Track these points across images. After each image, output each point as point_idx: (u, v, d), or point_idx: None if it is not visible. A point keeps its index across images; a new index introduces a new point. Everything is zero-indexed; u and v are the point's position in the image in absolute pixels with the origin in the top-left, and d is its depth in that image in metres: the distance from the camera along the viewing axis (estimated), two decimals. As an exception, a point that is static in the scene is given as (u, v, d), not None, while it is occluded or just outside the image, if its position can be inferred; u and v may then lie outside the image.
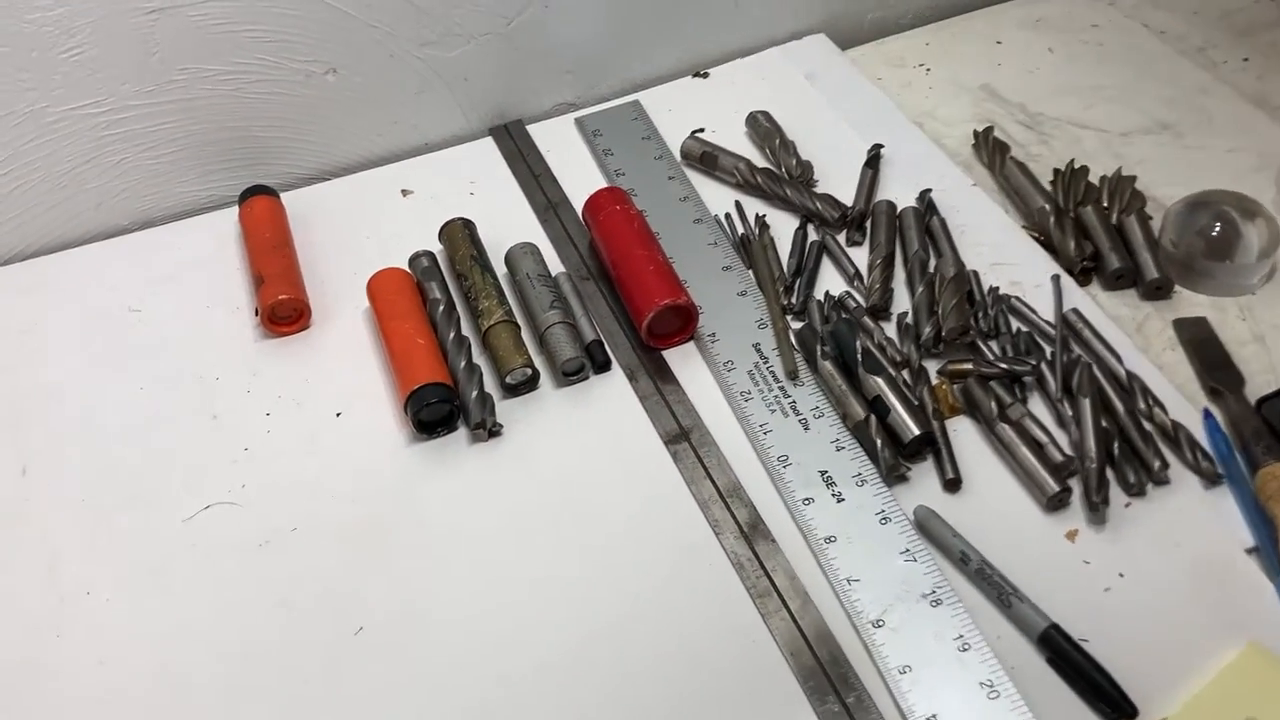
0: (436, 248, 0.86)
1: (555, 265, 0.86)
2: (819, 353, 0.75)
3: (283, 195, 0.92)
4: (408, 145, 0.97)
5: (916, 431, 0.70)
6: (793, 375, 0.75)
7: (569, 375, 0.77)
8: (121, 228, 0.92)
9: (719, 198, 0.90)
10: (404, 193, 0.93)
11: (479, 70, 0.95)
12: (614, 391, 0.77)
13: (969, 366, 0.74)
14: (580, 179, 0.93)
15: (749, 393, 0.75)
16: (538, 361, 0.78)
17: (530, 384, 0.77)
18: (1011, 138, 0.93)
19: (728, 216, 0.88)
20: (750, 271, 0.84)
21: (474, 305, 0.80)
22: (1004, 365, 0.73)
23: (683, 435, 0.74)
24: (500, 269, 0.84)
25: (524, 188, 0.92)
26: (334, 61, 0.90)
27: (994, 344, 0.76)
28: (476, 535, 0.70)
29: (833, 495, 0.69)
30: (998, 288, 0.79)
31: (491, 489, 0.72)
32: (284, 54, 0.88)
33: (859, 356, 0.73)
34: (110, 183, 0.89)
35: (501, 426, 0.74)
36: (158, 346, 0.81)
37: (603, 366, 0.78)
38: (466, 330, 0.80)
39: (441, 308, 0.80)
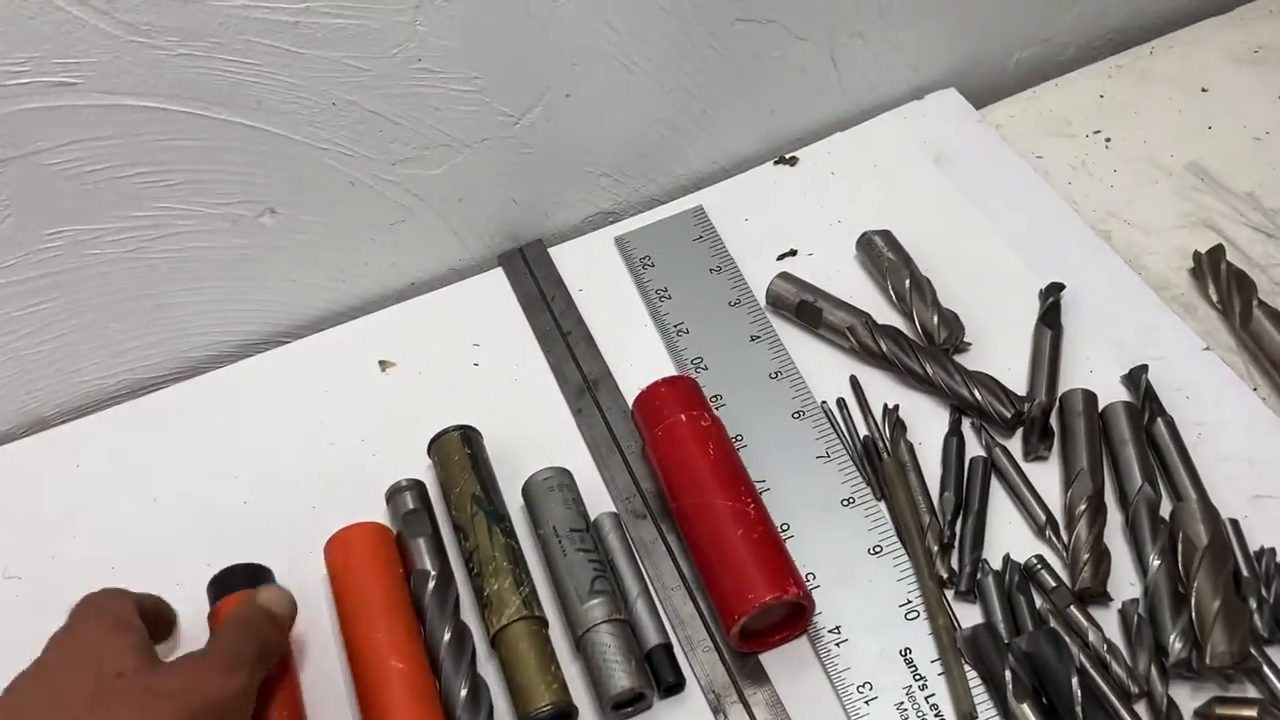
0: (425, 467, 0.60)
1: (596, 494, 0.59)
2: (1009, 681, 0.48)
3: (215, 372, 0.67)
4: (388, 289, 0.70)
5: None
6: (968, 718, 0.49)
7: (620, 709, 0.51)
8: (4, 433, 0.67)
9: (826, 368, 0.63)
10: (382, 365, 0.66)
11: (478, 186, 0.67)
12: (691, 732, 0.51)
13: (1252, 714, 0.47)
14: (626, 336, 0.66)
15: (901, 746, 0.49)
16: (577, 684, 0.52)
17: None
18: (1244, 253, 0.64)
19: (841, 405, 0.61)
20: (883, 505, 0.57)
21: (478, 584, 0.55)
22: (1312, 718, 0.46)
23: (803, 827, 0.48)
24: (517, 505, 0.58)
25: (548, 353, 0.66)
26: (269, 199, 0.63)
27: (1278, 656, 0.49)
28: None
29: None
30: (1273, 551, 0.52)
31: None
32: (197, 198, 0.61)
33: (1078, 710, 0.46)
34: (-27, 386, 0.64)
35: None
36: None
37: (672, 689, 0.52)
38: (469, 617, 0.54)
39: (431, 586, 0.54)
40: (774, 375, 0.62)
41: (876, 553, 0.55)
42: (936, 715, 0.50)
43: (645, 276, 0.68)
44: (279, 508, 0.61)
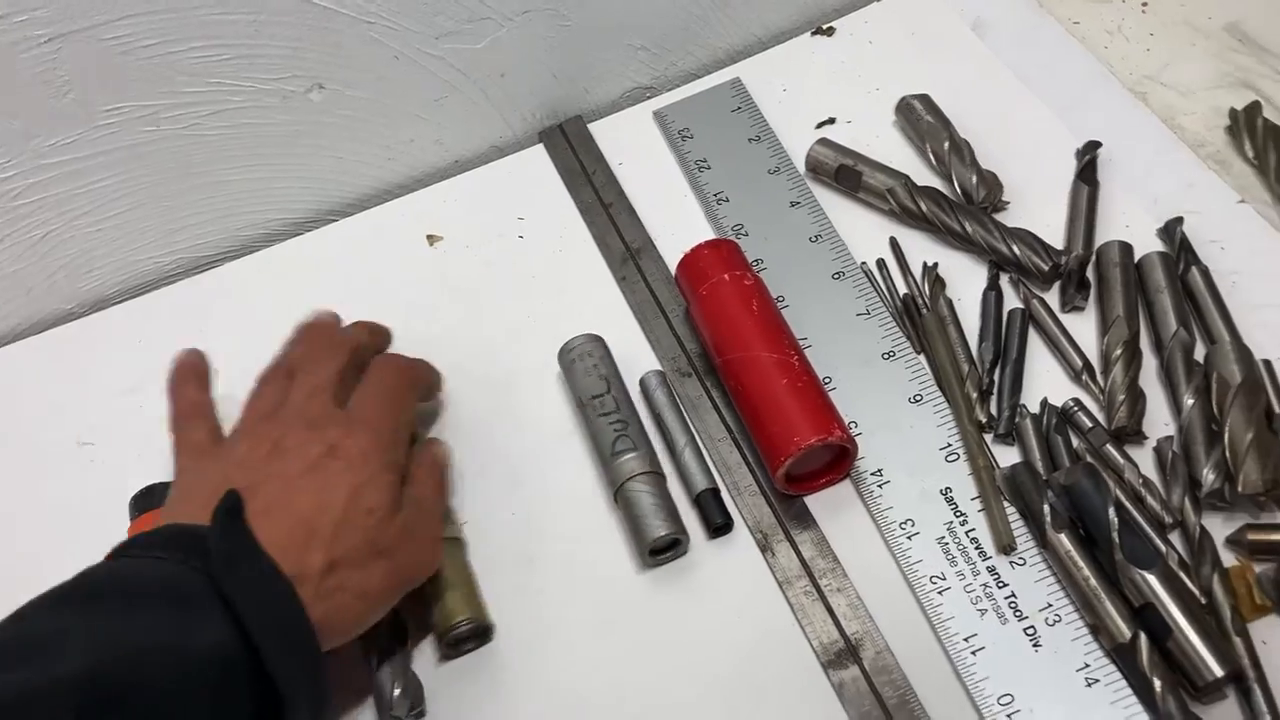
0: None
1: (643, 356, 0.61)
2: (1047, 514, 0.50)
3: (274, 248, 0.69)
4: (432, 167, 0.71)
5: (1219, 673, 0.45)
6: (1007, 549, 0.51)
7: (657, 554, 0.54)
8: (66, 313, 0.69)
9: (864, 231, 0.64)
10: (430, 239, 0.68)
11: (519, 61, 0.68)
12: (737, 569, 0.54)
13: (1282, 538, 0.49)
14: (666, 206, 0.67)
15: (942, 577, 0.51)
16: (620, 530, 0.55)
17: (480, 637, 0.53)
18: (1281, 110, 0.65)
19: (881, 266, 0.62)
20: (923, 358, 0.58)
21: None
22: (1341, 540, 0.48)
23: (849, 653, 0.51)
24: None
25: (591, 225, 0.67)
26: (318, 75, 0.65)
27: (1313, 490, 0.51)
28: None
29: (1090, 771, 0.46)
30: (1307, 389, 0.53)
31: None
32: (248, 73, 0.63)
33: (1114, 537, 0.48)
34: (35, 264, 0.66)
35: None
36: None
37: (720, 529, 0.54)
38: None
39: None
40: (814, 239, 0.64)
41: (917, 401, 0.57)
42: (976, 547, 0.52)
43: (684, 148, 0.69)
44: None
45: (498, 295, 0.65)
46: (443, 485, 0.55)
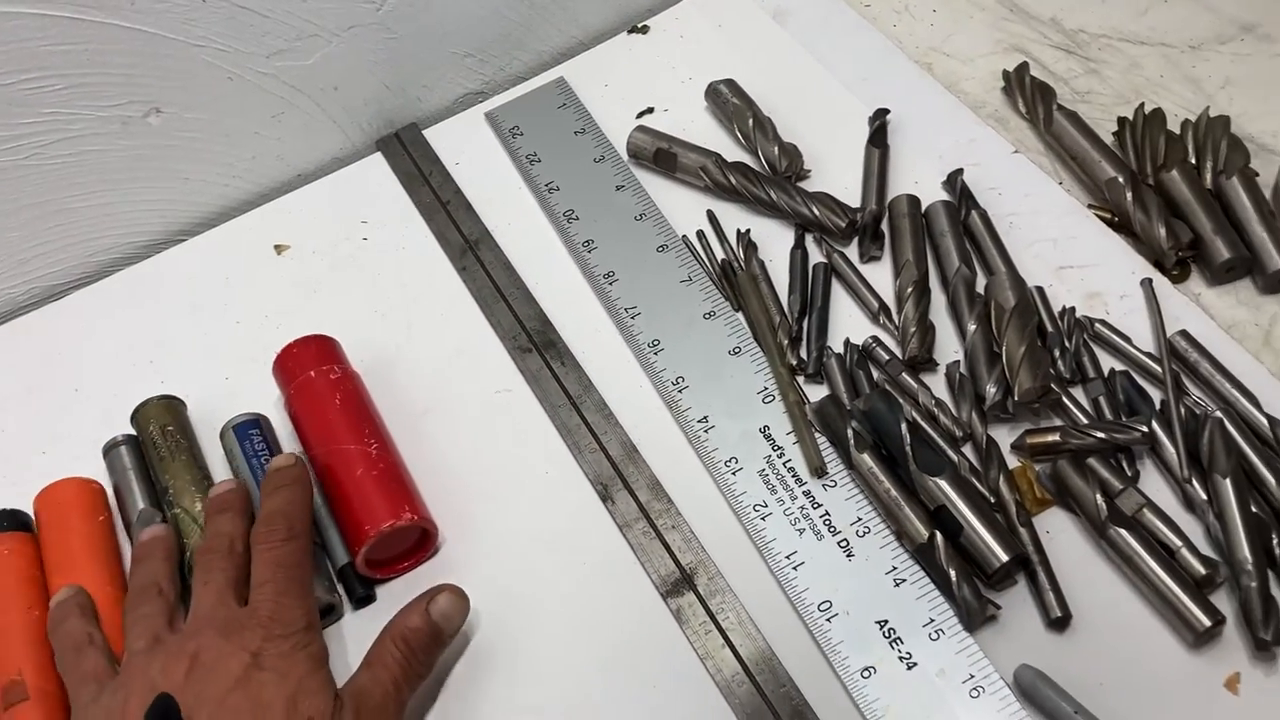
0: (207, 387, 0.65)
1: (485, 337, 0.65)
2: (851, 438, 0.56)
3: (126, 271, 0.72)
4: (276, 181, 0.75)
5: (1004, 558, 0.51)
6: (819, 473, 0.56)
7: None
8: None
9: (684, 207, 0.69)
10: (278, 249, 0.71)
11: (350, 74, 0.72)
12: (581, 519, 0.58)
13: (1056, 439, 0.54)
14: (502, 200, 0.72)
15: (764, 505, 0.56)
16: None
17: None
18: (1049, 70, 0.72)
19: (700, 236, 0.67)
20: (740, 315, 0.63)
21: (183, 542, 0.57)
22: (1102, 434, 0.54)
23: (685, 581, 0.55)
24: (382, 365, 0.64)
25: (430, 221, 0.71)
26: (155, 99, 0.68)
27: (1081, 395, 0.57)
28: None
29: (900, 658, 0.51)
30: (1073, 309, 0.59)
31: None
32: (84, 101, 0.66)
33: (908, 449, 0.54)
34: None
35: None
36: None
37: (363, 601, 0.56)
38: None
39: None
40: (639, 217, 0.69)
41: (736, 353, 0.62)
42: (793, 475, 0.57)
43: (515, 144, 0.74)
44: (195, 382, 0.65)
45: (345, 295, 0.68)
46: (406, 663, 0.51)
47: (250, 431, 0.61)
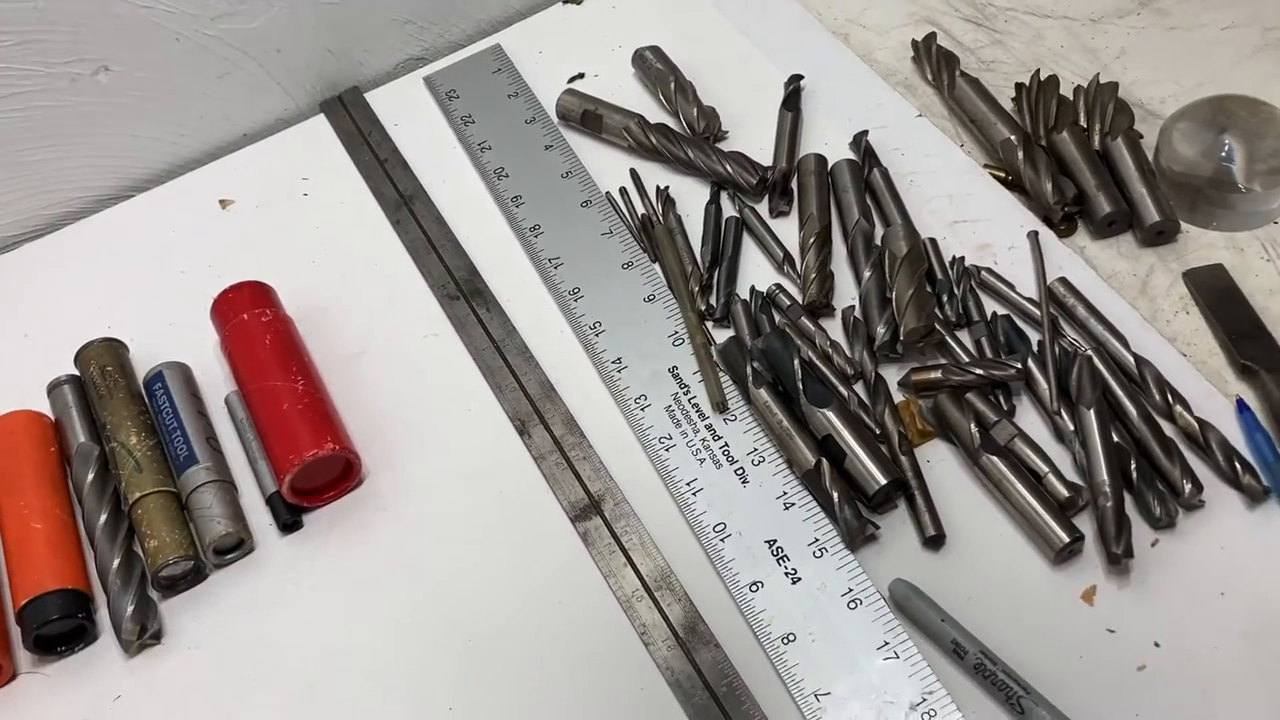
0: (148, 332, 0.68)
1: (415, 286, 0.69)
2: (750, 375, 0.59)
3: (77, 224, 0.75)
4: (222, 140, 0.78)
5: (882, 481, 0.55)
6: (720, 408, 0.60)
7: (222, 554, 0.59)
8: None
9: (609, 166, 0.73)
10: (222, 204, 0.75)
11: (293, 38, 0.76)
12: (498, 452, 0.61)
13: (938, 376, 0.58)
14: (438, 159, 0.75)
15: (669, 438, 0.60)
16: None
17: (191, 578, 0.59)
18: (958, 41, 0.76)
19: (623, 193, 0.71)
20: (657, 267, 0.67)
21: (118, 473, 0.61)
22: (981, 371, 0.58)
23: (593, 507, 0.59)
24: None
25: (368, 179, 0.75)
26: (104, 57, 0.71)
27: (966, 337, 0.61)
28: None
29: (786, 574, 0.54)
30: (963, 258, 0.63)
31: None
32: (34, 57, 0.69)
33: (799, 384, 0.58)
34: None
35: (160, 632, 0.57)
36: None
37: (289, 527, 0.60)
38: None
39: (92, 475, 0.61)
40: (565, 175, 0.72)
41: (650, 300, 0.65)
42: (697, 411, 0.60)
43: (451, 107, 0.77)
44: (140, 328, 0.69)
45: (284, 247, 0.72)
46: None
47: (154, 387, 0.64)
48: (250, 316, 0.64)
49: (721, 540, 0.56)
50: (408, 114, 0.78)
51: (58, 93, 0.71)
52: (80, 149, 0.74)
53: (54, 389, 0.65)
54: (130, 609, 0.56)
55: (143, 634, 0.56)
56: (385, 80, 0.80)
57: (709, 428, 0.60)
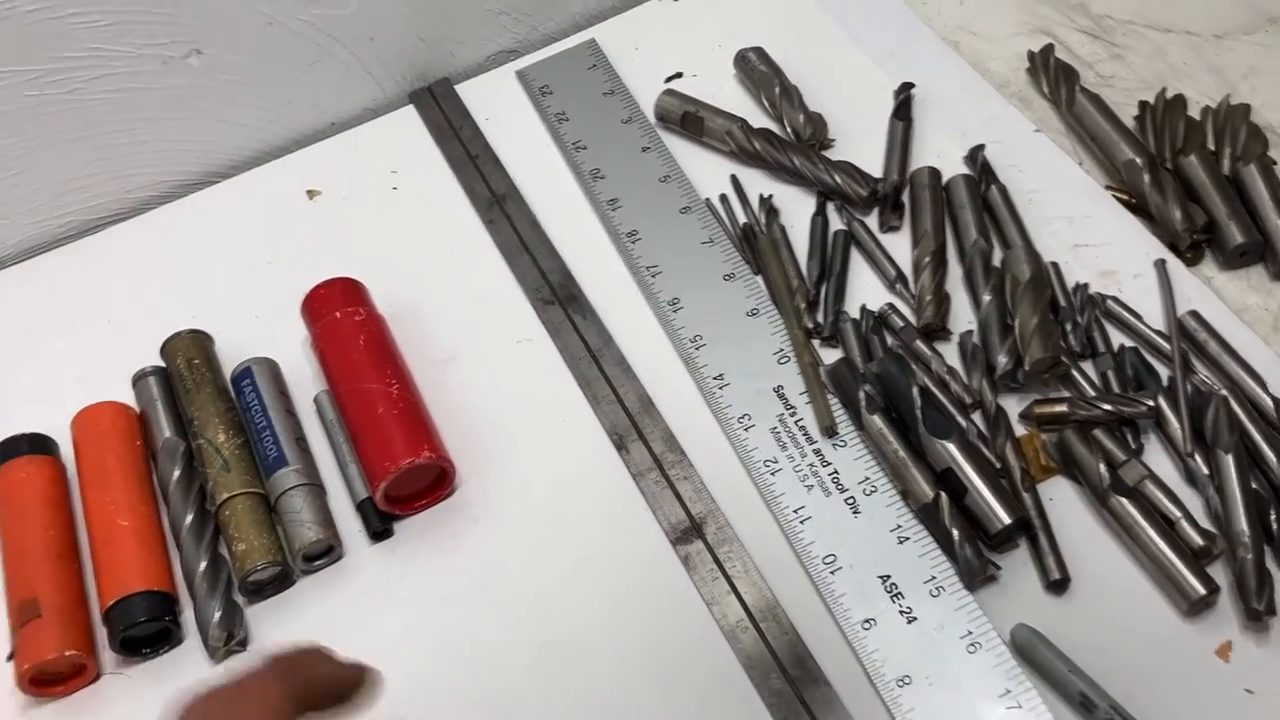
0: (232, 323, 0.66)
1: (508, 289, 0.67)
2: (863, 400, 0.57)
3: (161, 209, 0.73)
4: (310, 129, 0.76)
5: (1007, 520, 0.52)
6: (829, 432, 0.58)
7: (310, 560, 0.57)
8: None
9: (708, 171, 0.70)
10: (310, 194, 0.73)
11: (386, 25, 0.74)
12: (595, 466, 0.59)
13: (1064, 409, 0.56)
14: (530, 156, 0.73)
15: (774, 461, 0.58)
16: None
17: (278, 584, 0.57)
18: (1074, 53, 0.73)
19: (723, 200, 0.69)
20: (759, 278, 0.65)
21: (204, 471, 0.59)
22: (1110, 406, 0.55)
23: (694, 530, 0.57)
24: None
25: (459, 174, 0.72)
26: (195, 40, 0.69)
27: (1091, 369, 0.58)
28: None
29: (900, 612, 0.52)
30: (1086, 285, 0.61)
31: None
32: (127, 38, 0.67)
33: (918, 413, 0.55)
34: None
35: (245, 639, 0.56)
36: None
37: (380, 535, 0.58)
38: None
39: (178, 472, 0.59)
40: (663, 179, 0.70)
41: (754, 314, 0.63)
42: (804, 433, 0.58)
43: (545, 103, 0.75)
44: (225, 320, 0.67)
45: (373, 242, 0.70)
46: None
47: (242, 383, 0.62)
48: (343, 315, 0.62)
49: (831, 573, 0.54)
50: (499, 109, 0.76)
51: (148, 74, 0.69)
52: (167, 132, 0.72)
53: (139, 380, 0.63)
54: (218, 615, 0.54)
55: (229, 640, 0.55)
56: (476, 73, 0.78)
57: (817, 453, 0.57)
